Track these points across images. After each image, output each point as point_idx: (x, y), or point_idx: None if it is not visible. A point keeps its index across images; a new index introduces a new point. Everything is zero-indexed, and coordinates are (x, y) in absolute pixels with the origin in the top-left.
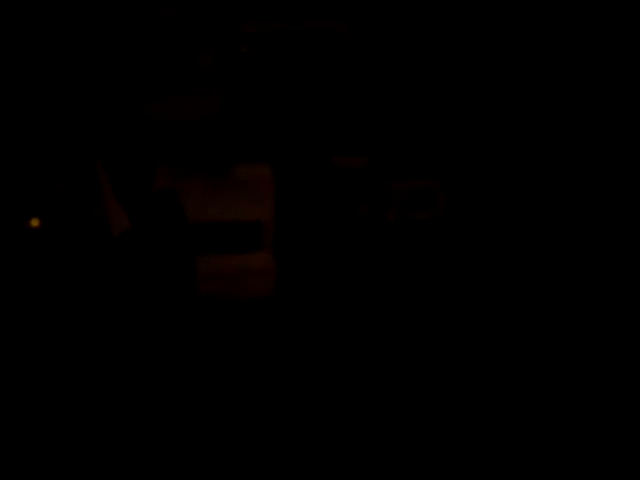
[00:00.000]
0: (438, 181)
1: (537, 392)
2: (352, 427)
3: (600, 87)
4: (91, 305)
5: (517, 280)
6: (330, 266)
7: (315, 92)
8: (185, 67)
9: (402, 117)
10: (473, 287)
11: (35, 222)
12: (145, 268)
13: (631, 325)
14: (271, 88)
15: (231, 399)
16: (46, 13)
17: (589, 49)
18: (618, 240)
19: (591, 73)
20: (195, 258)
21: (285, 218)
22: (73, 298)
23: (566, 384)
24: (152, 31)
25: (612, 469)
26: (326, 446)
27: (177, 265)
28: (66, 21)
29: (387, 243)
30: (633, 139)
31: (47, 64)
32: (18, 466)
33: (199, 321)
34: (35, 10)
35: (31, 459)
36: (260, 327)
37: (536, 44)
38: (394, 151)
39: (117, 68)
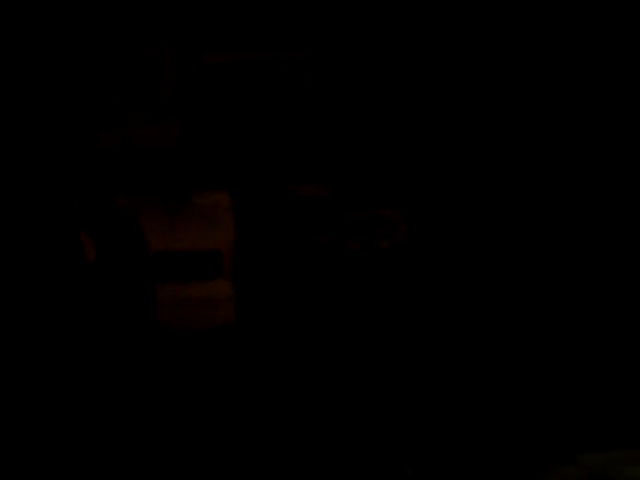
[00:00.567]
0: (399, 210)
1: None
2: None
3: (565, 118)
4: (53, 331)
5: (479, 309)
6: (289, 295)
7: (275, 121)
8: (144, 95)
9: (362, 146)
10: (433, 316)
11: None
12: (105, 297)
13: (599, 345)
14: (230, 117)
15: (192, 428)
16: None
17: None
18: (585, 269)
19: (559, 101)
20: (155, 287)
21: (245, 246)
22: (37, 321)
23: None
24: (111, 59)
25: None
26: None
27: (137, 294)
28: (19, 49)
29: (346, 273)
30: (600, 167)
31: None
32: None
33: (159, 350)
34: None
35: None
36: (221, 355)
37: (500, 75)
38: (354, 180)
39: (74, 95)
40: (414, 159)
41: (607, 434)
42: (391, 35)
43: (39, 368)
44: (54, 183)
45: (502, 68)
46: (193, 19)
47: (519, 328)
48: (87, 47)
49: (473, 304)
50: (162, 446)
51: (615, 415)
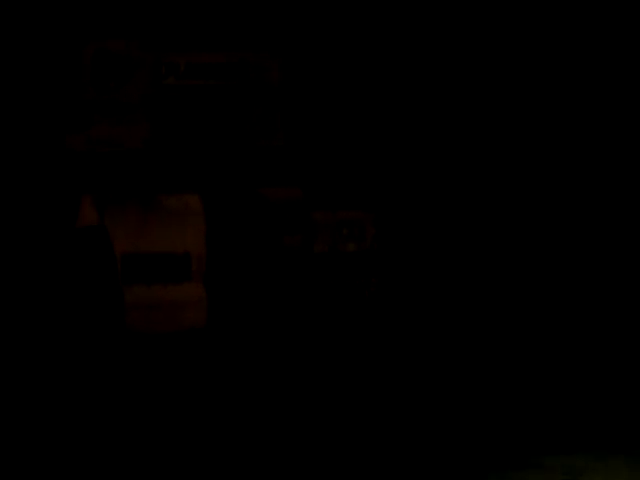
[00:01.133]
0: (367, 212)
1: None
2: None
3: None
4: (20, 334)
5: (450, 312)
6: (259, 297)
7: (243, 123)
8: (112, 97)
9: (331, 148)
10: (400, 319)
11: None
12: (72, 300)
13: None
14: (198, 119)
15: (161, 432)
16: None
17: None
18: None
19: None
20: (121, 290)
21: (216, 249)
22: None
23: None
24: (77, 62)
25: None
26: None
27: (103, 297)
28: None
29: (313, 275)
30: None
31: None
32: None
33: (127, 353)
34: None
35: None
36: (192, 358)
37: (472, 75)
38: (322, 182)
39: (40, 97)
40: (385, 161)
41: (574, 437)
42: (359, 38)
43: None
44: (20, 184)
45: (473, 67)
46: (162, 20)
47: (491, 329)
48: (54, 47)
49: (445, 307)
50: (133, 448)
51: (582, 418)
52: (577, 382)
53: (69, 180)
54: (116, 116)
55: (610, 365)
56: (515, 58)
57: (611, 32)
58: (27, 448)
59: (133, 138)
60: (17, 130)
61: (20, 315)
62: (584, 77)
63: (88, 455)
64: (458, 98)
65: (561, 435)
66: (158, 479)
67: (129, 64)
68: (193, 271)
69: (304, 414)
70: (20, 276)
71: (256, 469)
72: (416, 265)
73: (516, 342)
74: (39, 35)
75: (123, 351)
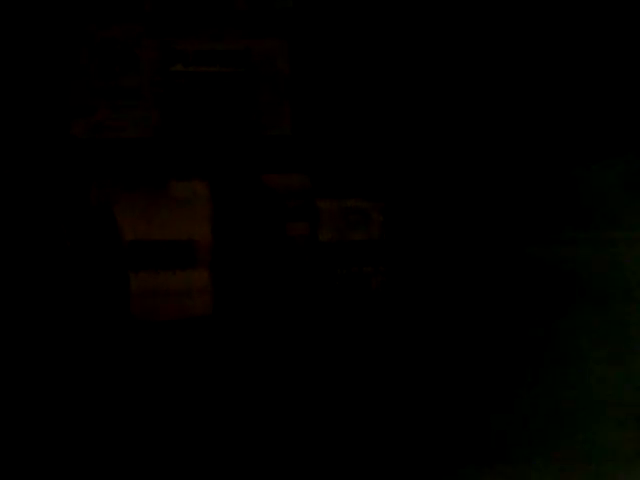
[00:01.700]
0: (373, 201)
1: None
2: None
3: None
4: (25, 321)
5: (452, 309)
6: (264, 285)
7: (251, 110)
8: (118, 83)
9: (338, 137)
10: (408, 310)
11: None
12: (78, 285)
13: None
14: (206, 106)
15: (168, 421)
16: None
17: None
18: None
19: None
20: (127, 276)
21: (222, 236)
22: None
23: None
24: (82, 48)
25: None
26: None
27: (109, 283)
28: None
29: (318, 264)
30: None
31: None
32: None
33: (132, 341)
34: None
35: None
36: (198, 346)
37: (467, 71)
38: (329, 170)
39: (46, 85)
40: (392, 150)
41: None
42: (367, 28)
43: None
44: (27, 172)
45: (467, 64)
46: (169, 6)
47: (499, 327)
48: (59, 34)
49: (452, 296)
50: (137, 438)
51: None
52: None
53: (74, 167)
54: (122, 102)
55: None
56: (517, 58)
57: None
58: (30, 435)
59: (140, 125)
60: (22, 117)
61: (24, 302)
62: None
63: (91, 443)
64: (467, 87)
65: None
66: (163, 469)
67: (135, 50)
68: (199, 259)
69: (307, 404)
70: (25, 263)
71: (258, 458)
72: (424, 254)
73: (522, 338)
74: (43, 21)
75: (128, 338)
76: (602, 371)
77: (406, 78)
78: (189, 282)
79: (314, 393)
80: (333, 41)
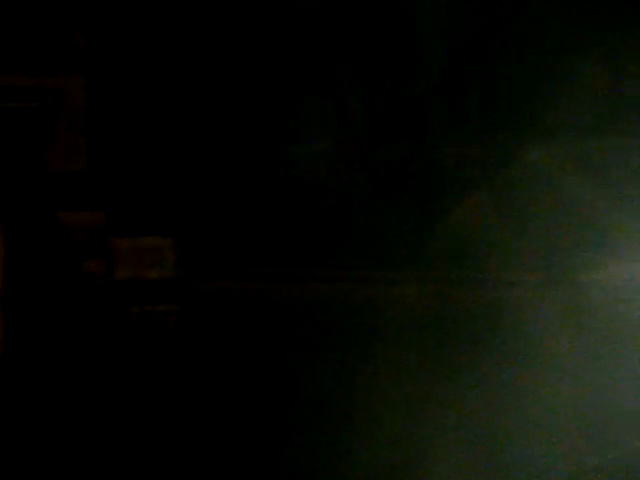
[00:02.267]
0: (166, 238)
1: None
2: None
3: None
4: None
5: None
6: (58, 325)
7: (45, 147)
8: None
9: (135, 173)
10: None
11: None
12: None
13: None
14: None
15: None
16: None
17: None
18: None
19: None
20: None
21: (14, 276)
22: None
23: None
24: None
25: None
26: None
27: None
28: None
29: (113, 302)
30: None
31: None
32: None
33: None
34: None
35: None
36: None
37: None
38: (124, 208)
39: None
40: (182, 186)
41: None
42: (162, 64)
43: None
44: None
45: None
46: None
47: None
48: None
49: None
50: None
51: None
52: None
53: None
54: None
55: None
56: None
57: None
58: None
59: None
60: None
61: None
62: None
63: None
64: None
65: None
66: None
67: None
68: None
69: (102, 441)
70: None
71: None
72: (221, 289)
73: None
74: None
75: None
76: None
77: (203, 112)
78: None
79: (108, 429)
80: (130, 77)
